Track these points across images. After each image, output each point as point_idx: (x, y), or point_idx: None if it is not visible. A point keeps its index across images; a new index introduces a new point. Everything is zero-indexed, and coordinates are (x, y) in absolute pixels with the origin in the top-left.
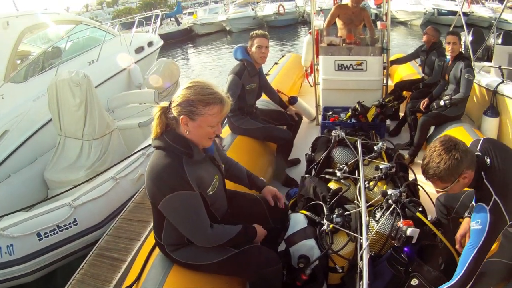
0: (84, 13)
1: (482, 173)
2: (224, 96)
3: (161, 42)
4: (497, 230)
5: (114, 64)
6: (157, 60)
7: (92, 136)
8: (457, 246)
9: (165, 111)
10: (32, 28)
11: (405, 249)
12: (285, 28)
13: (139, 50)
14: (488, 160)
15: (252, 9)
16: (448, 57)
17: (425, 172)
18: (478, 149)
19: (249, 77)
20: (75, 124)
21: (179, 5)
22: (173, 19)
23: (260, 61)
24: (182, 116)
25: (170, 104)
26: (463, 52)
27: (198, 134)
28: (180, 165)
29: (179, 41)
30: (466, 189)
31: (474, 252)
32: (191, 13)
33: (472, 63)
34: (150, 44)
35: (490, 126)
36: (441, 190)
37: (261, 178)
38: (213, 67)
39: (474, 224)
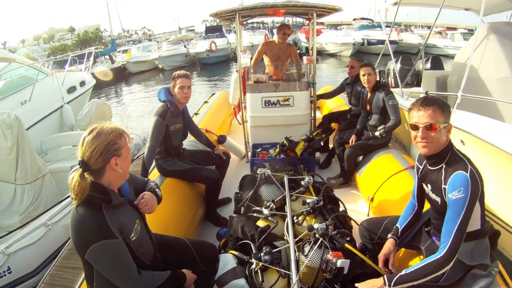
0: (20, 48)
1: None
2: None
3: (94, 82)
4: (476, 196)
5: (46, 105)
6: (89, 101)
7: (24, 180)
8: (380, 266)
9: (83, 173)
10: None
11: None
12: (217, 64)
13: (72, 90)
14: None
15: (185, 46)
16: (366, 88)
17: (426, 100)
18: None
19: (172, 117)
20: (7, 168)
21: (113, 42)
22: (107, 57)
23: (183, 101)
24: (111, 159)
25: (84, 164)
26: (380, 81)
27: (126, 166)
28: (100, 214)
29: (113, 79)
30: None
31: (459, 220)
32: (125, 51)
33: (401, 90)
34: (82, 83)
35: None
36: (434, 122)
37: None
38: (145, 107)
39: (456, 194)
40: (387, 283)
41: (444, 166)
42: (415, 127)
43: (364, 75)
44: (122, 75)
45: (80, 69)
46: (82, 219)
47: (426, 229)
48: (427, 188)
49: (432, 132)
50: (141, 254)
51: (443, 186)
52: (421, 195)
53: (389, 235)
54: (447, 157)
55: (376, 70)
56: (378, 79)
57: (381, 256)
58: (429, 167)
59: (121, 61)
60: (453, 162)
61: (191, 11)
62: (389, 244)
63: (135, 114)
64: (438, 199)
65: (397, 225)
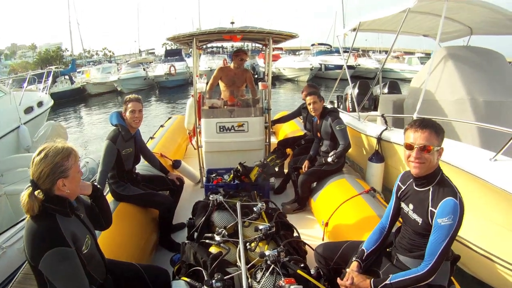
0: None
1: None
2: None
3: (51, 102)
4: (461, 223)
5: (3, 125)
6: (45, 122)
7: None
8: None
9: (33, 192)
10: None
11: None
12: (176, 88)
13: (29, 110)
14: None
15: (144, 69)
16: (315, 117)
17: (422, 122)
18: None
19: (124, 142)
20: None
21: (74, 63)
22: (67, 77)
23: (134, 125)
24: (58, 181)
25: (34, 184)
26: (328, 107)
27: (75, 186)
28: (54, 222)
29: (72, 100)
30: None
31: (445, 244)
32: (85, 72)
33: (357, 114)
34: (40, 104)
35: (375, 171)
36: (429, 145)
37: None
38: (102, 130)
39: (445, 220)
40: (372, 286)
41: (431, 189)
42: (409, 147)
43: (309, 104)
44: (81, 96)
45: (38, 88)
46: (36, 227)
47: (388, 249)
48: (407, 208)
49: (425, 153)
50: (92, 270)
51: (430, 208)
52: (395, 216)
53: (354, 258)
54: (436, 180)
55: (322, 97)
56: (330, 105)
57: (346, 284)
58: (415, 188)
59: (80, 82)
60: (442, 186)
61: (152, 33)
62: (353, 267)
63: (92, 137)
64: (419, 220)
65: (363, 248)
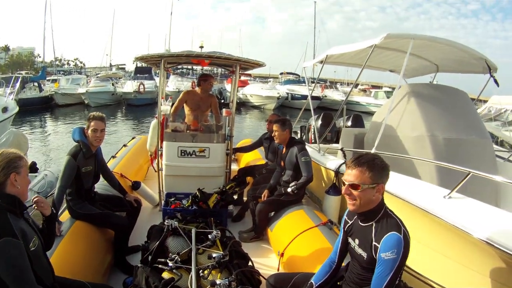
0: None
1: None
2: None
3: (16, 109)
4: (406, 257)
5: None
6: (8, 130)
7: None
8: None
9: None
10: None
11: None
12: (143, 107)
13: None
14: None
15: (113, 85)
16: (281, 145)
17: (358, 160)
18: None
19: (84, 159)
20: None
21: (44, 70)
22: (36, 84)
23: (96, 144)
24: (11, 175)
25: None
26: (295, 137)
27: (25, 184)
28: (5, 216)
29: (38, 108)
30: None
31: (389, 278)
32: (54, 80)
33: (318, 146)
34: (4, 109)
35: (332, 203)
36: (358, 183)
37: None
38: (65, 143)
39: (388, 254)
40: None
41: (374, 224)
42: (343, 183)
43: (274, 132)
44: (48, 106)
45: (5, 92)
46: None
47: (338, 283)
48: (353, 243)
49: (355, 190)
50: (39, 270)
51: (373, 243)
52: (343, 251)
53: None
54: (378, 216)
55: (288, 127)
56: (292, 135)
57: None
58: (359, 223)
59: (49, 91)
60: (384, 221)
61: (124, 48)
62: None
63: (54, 148)
64: (364, 254)
65: (312, 281)
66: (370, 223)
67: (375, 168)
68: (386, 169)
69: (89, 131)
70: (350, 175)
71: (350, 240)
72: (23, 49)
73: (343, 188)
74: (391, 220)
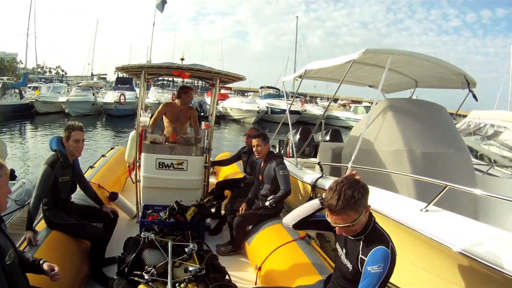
0: None
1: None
2: None
3: None
4: (391, 272)
5: None
6: None
7: None
8: None
9: None
10: None
11: None
12: (123, 118)
13: None
14: None
15: (93, 94)
16: (259, 159)
17: (337, 206)
18: None
19: (61, 169)
20: None
21: (25, 77)
22: (17, 90)
23: (77, 154)
24: None
25: None
26: (274, 151)
27: (4, 194)
28: None
29: (19, 115)
30: None
31: None
32: (36, 88)
33: (295, 161)
34: None
35: None
36: (349, 224)
37: None
38: (44, 152)
39: (375, 268)
40: None
41: (363, 238)
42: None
43: (253, 146)
44: (29, 113)
45: None
46: None
47: None
48: (341, 251)
49: (349, 228)
50: (13, 284)
51: (360, 256)
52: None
53: None
54: (366, 231)
55: (269, 140)
56: (272, 149)
57: None
58: (349, 237)
59: (29, 98)
60: (373, 236)
61: (106, 57)
62: None
63: (33, 156)
64: (350, 265)
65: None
66: (359, 237)
67: (357, 203)
68: (366, 193)
69: (70, 142)
70: (338, 220)
71: (337, 246)
72: (5, 55)
73: (337, 229)
74: (379, 235)
